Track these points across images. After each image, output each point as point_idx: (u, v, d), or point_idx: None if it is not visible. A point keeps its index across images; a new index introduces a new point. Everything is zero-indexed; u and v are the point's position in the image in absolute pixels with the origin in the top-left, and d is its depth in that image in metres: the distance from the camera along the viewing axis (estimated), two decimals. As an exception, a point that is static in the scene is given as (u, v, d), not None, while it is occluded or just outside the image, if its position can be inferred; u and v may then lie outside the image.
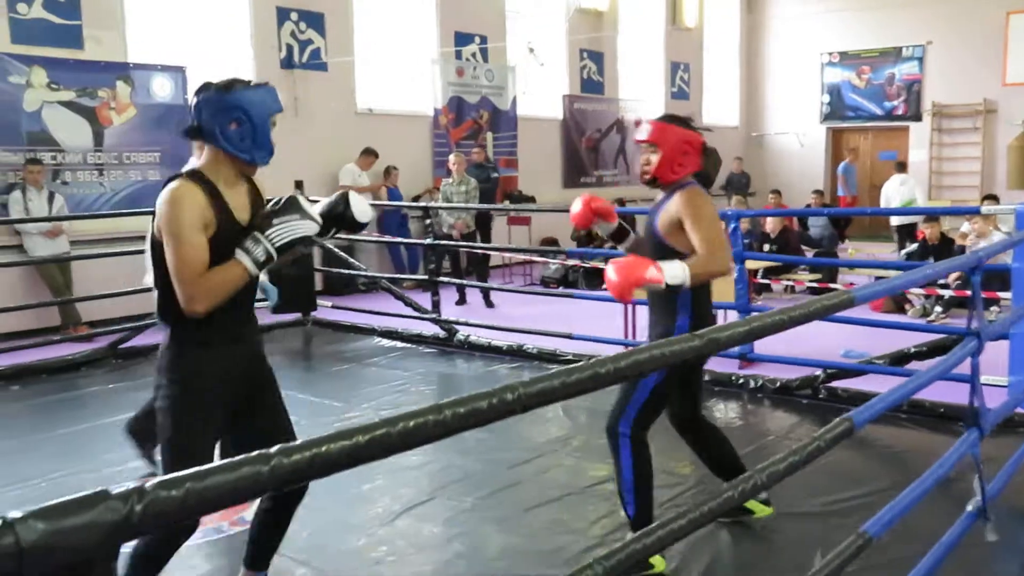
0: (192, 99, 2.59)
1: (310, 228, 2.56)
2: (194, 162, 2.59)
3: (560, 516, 3.90)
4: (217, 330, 2.58)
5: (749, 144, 17.80)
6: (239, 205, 2.60)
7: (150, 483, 0.95)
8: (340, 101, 10.43)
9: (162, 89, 8.82)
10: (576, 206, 3.52)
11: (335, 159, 10.17)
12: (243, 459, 0.99)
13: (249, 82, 2.61)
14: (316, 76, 10.18)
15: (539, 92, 13.43)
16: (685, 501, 4.04)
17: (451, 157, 9.49)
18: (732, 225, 6.23)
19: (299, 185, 8.75)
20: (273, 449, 1.00)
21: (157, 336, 7.67)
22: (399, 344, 7.53)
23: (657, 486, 4.18)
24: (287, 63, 9.93)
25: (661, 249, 3.26)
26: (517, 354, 6.86)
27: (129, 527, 0.92)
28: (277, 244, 2.50)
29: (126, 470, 4.43)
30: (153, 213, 2.52)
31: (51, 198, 7.81)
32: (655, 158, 3.29)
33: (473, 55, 12.17)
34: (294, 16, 10.01)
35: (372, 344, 7.57)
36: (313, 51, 10.18)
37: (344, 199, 2.77)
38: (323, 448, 1.02)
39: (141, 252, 7.84)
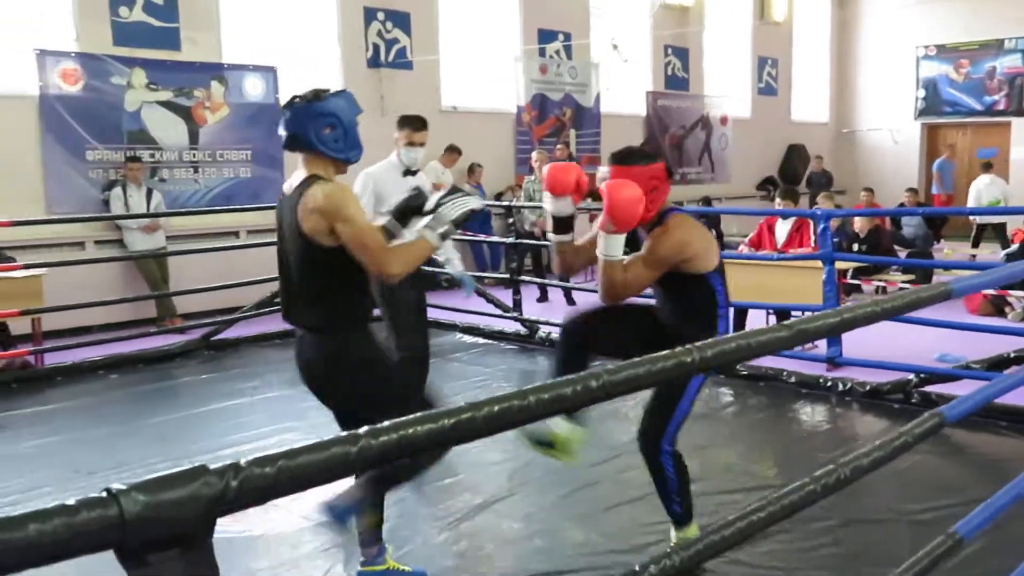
0: (284, 112, 2.79)
1: (477, 202, 2.90)
2: (301, 170, 2.82)
3: (640, 515, 3.87)
4: (368, 310, 2.94)
5: (839, 141, 17.35)
6: None
7: (245, 460, 0.98)
8: (425, 99, 10.53)
9: (254, 88, 9.08)
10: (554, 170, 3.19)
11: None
12: (333, 439, 1.02)
13: (329, 90, 2.84)
14: (402, 75, 10.32)
15: (622, 89, 13.34)
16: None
17: (534, 154, 9.51)
18: (822, 225, 6.09)
19: (384, 182, 8.89)
20: (362, 430, 1.02)
21: (246, 329, 7.86)
22: (480, 340, 7.58)
23: (740, 488, 4.13)
24: (373, 62, 10.10)
25: (673, 279, 3.14)
26: (598, 352, 6.83)
27: (225, 501, 0.96)
28: (454, 216, 2.81)
29: (217, 458, 4.58)
30: (295, 219, 2.73)
31: (149, 195, 8.11)
32: None
33: (557, 52, 12.16)
34: (380, 16, 10.17)
35: (454, 340, 7.64)
36: (399, 50, 10.32)
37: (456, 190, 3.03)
38: (409, 430, 1.03)
39: (234, 248, 8.11)
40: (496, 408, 1.09)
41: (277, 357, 7.08)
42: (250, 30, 9.23)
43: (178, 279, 8.08)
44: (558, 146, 10.87)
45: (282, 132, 2.80)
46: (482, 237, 9.99)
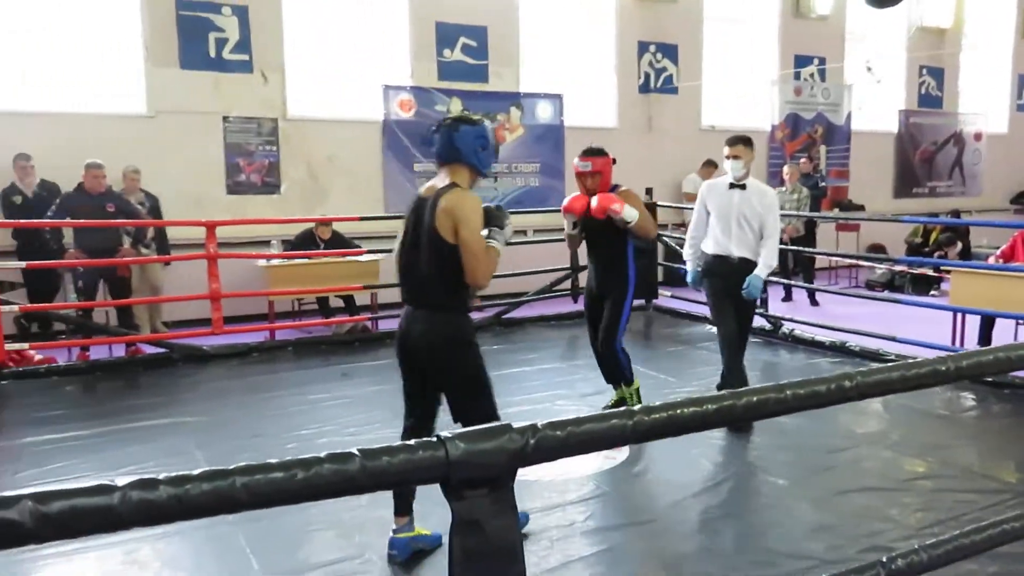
0: (445, 131, 2.87)
1: (511, 229, 3.02)
2: (444, 177, 2.91)
3: (873, 504, 3.56)
4: (468, 299, 3.01)
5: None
6: None
7: (541, 423, 1.03)
8: (686, 120, 10.35)
9: (544, 112, 9.38)
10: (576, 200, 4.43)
11: (680, 170, 10.12)
12: (611, 412, 1.04)
13: (476, 115, 3.01)
14: (667, 99, 10.18)
15: (874, 107, 12.26)
16: (1006, 509, 3.49)
17: (785, 168, 9.02)
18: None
19: (649, 192, 8.83)
20: (636, 407, 1.03)
21: (530, 311, 8.10)
22: (727, 332, 7.31)
23: (978, 489, 3.67)
24: (644, 88, 10.05)
25: (616, 233, 4.47)
26: (839, 350, 6.36)
27: (524, 455, 1.01)
28: (508, 239, 2.98)
29: (505, 415, 4.80)
30: (432, 216, 2.83)
31: (460, 199, 8.66)
32: (599, 179, 4.37)
33: (811, 75, 11.42)
34: (652, 48, 10.09)
35: (703, 331, 7.43)
36: (666, 77, 10.19)
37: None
38: (677, 411, 1.03)
39: (522, 243, 8.44)
40: (755, 399, 1.06)
41: (553, 335, 7.30)
42: (542, 64, 9.53)
43: (478, 267, 8.54)
44: (802, 160, 10.22)
45: (442, 145, 2.88)
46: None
